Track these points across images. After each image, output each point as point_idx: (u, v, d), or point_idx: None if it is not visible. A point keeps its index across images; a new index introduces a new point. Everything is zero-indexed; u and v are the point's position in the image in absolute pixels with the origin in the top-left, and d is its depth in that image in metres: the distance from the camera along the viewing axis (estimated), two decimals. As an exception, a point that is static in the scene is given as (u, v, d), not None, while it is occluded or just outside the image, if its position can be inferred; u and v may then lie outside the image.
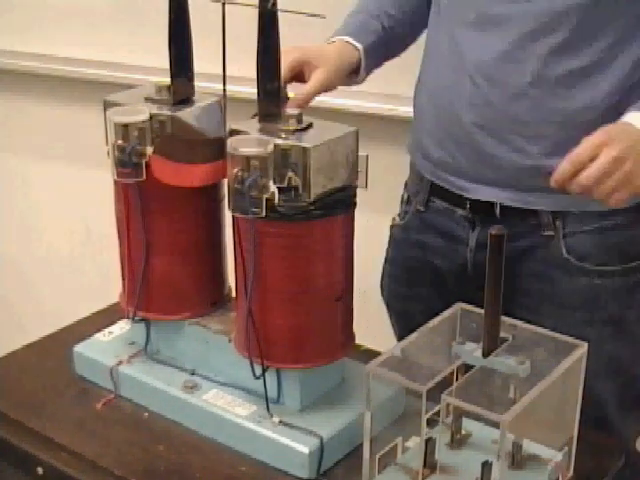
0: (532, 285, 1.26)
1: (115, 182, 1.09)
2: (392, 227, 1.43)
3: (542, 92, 1.16)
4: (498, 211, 1.24)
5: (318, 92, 1.19)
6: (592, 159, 1.03)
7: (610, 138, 1.05)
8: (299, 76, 1.20)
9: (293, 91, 1.14)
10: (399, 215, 1.41)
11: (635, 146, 1.05)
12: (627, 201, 1.09)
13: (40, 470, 1.07)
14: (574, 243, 1.22)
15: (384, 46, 1.32)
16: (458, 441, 1.01)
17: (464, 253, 1.28)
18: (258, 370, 1.04)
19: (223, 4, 1.01)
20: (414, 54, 1.72)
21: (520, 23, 1.16)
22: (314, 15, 0.98)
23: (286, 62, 1.15)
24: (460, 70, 1.22)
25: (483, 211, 1.25)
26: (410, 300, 1.37)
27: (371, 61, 1.30)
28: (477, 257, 1.27)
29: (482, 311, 0.96)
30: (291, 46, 1.17)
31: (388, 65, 1.76)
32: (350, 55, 1.26)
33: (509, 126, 1.19)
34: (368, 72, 1.31)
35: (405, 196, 1.40)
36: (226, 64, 1.02)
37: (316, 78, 1.19)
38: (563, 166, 1.05)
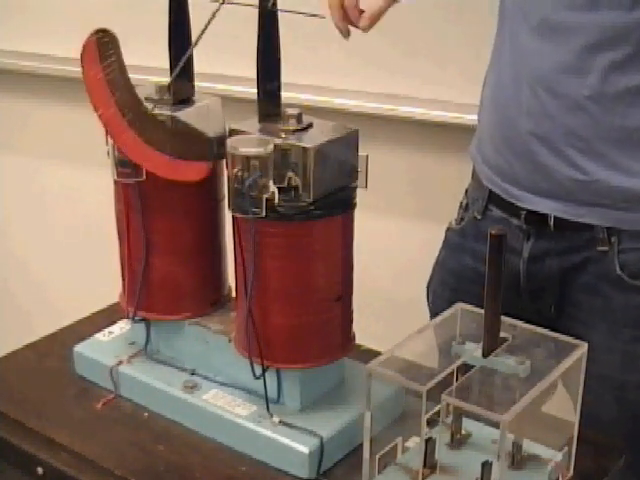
0: (584, 298, 1.25)
1: (115, 182, 1.10)
2: (447, 230, 1.42)
3: (600, 107, 1.15)
4: (552, 223, 1.23)
5: (388, 5, 1.20)
6: None
7: None
8: None
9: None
10: (455, 220, 1.40)
11: None
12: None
13: (40, 470, 1.07)
14: (628, 260, 1.21)
15: None
16: (458, 441, 1.01)
17: (517, 264, 1.28)
18: (258, 370, 1.04)
19: (222, 4, 1.01)
20: (416, 54, 1.72)
21: (583, 34, 1.14)
22: (314, 15, 0.98)
23: None
24: (520, 77, 1.21)
25: (538, 222, 1.24)
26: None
27: None
28: (530, 269, 1.27)
29: (482, 311, 0.96)
30: None
31: (388, 65, 1.76)
32: None
33: (565, 139, 1.18)
34: None
35: (464, 202, 1.39)
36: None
37: None
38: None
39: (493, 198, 1.31)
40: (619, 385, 1.24)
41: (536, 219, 1.25)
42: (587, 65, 1.14)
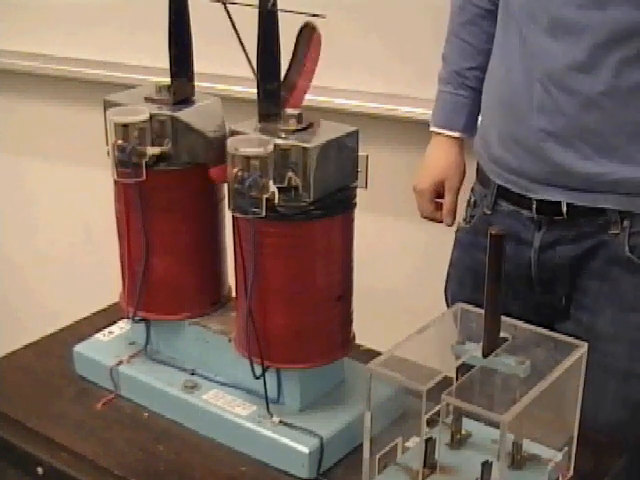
0: (592, 284, 1.25)
1: (115, 182, 1.10)
2: (457, 231, 1.42)
3: (614, 103, 1.16)
4: (565, 209, 1.23)
5: (457, 198, 1.44)
6: None
7: None
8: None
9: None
10: (464, 220, 1.41)
11: None
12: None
13: (40, 470, 1.07)
14: (638, 242, 1.21)
15: (478, 102, 1.38)
16: (458, 441, 1.01)
17: (528, 254, 1.28)
18: (258, 370, 1.04)
19: (223, 4, 1.01)
20: (417, 53, 1.72)
21: (594, 32, 1.14)
22: (314, 15, 0.98)
23: (428, 191, 1.44)
24: (531, 75, 1.21)
25: (549, 211, 1.25)
26: (474, 304, 1.37)
27: (471, 128, 1.42)
28: (541, 258, 1.27)
29: (482, 311, 0.96)
30: (421, 178, 1.45)
31: (388, 65, 1.76)
32: (457, 145, 1.44)
33: (579, 135, 1.18)
34: (474, 134, 1.42)
35: (472, 200, 1.40)
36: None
37: (450, 188, 1.43)
38: None
39: (501, 192, 1.31)
40: (623, 375, 1.24)
41: (548, 208, 1.25)
42: (599, 62, 1.15)
